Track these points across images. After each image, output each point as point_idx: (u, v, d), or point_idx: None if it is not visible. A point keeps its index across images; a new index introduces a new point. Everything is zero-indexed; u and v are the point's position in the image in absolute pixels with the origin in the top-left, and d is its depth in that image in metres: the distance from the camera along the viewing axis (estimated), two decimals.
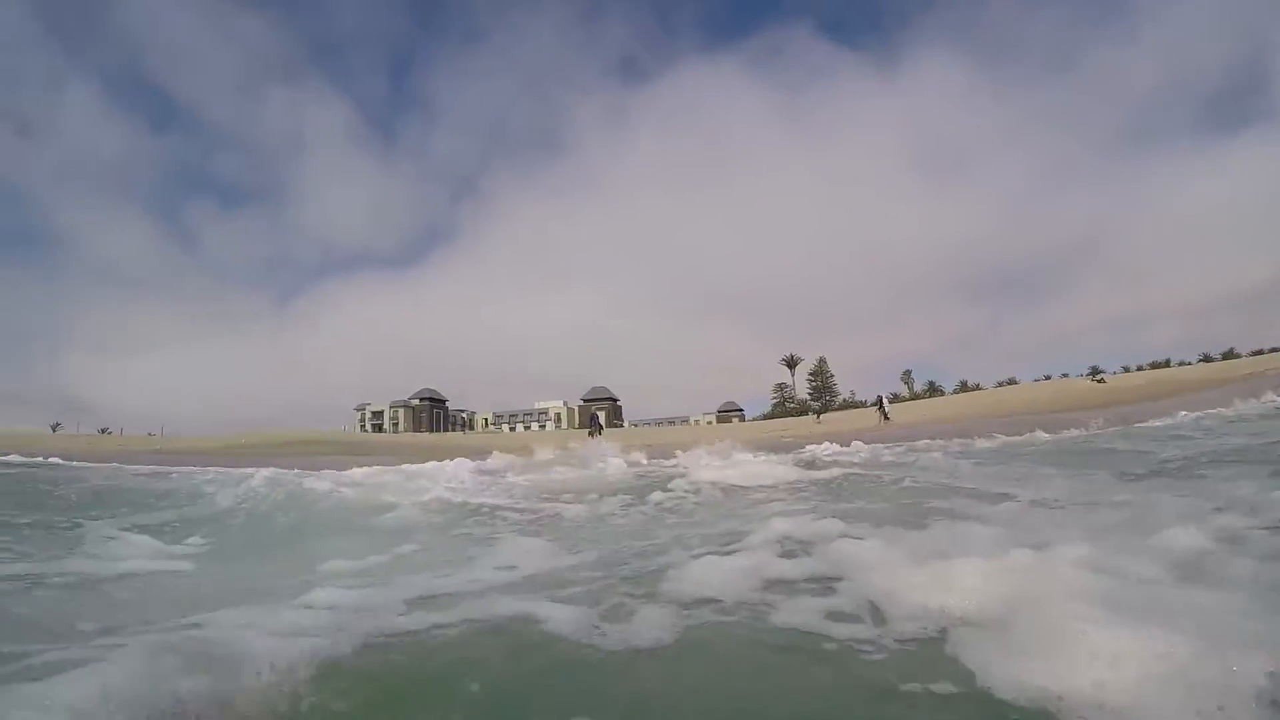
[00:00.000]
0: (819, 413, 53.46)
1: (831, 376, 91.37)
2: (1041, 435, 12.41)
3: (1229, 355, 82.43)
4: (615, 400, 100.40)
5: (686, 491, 6.72)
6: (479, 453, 14.71)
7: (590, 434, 30.68)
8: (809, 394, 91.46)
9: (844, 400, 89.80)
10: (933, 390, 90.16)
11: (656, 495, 6.49)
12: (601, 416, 38.33)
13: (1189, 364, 76.82)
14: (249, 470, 9.40)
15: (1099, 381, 52.62)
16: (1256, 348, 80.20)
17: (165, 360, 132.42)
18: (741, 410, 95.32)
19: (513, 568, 3.59)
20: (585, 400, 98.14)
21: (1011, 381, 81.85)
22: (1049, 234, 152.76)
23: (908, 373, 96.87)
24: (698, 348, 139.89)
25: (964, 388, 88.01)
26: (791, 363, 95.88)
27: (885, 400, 34.53)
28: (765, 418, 76.48)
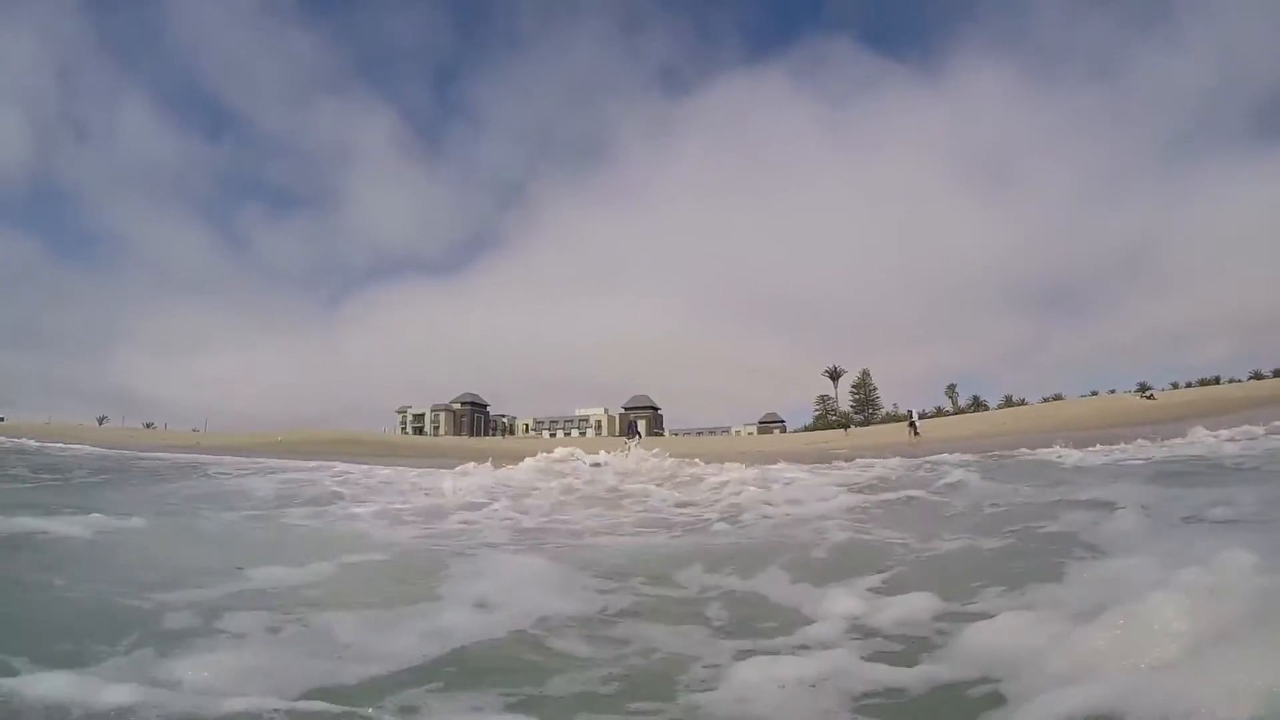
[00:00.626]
0: (846, 426, 51.54)
1: (875, 389, 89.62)
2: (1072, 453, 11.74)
3: None
4: (656, 409, 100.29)
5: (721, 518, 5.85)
6: (514, 457, 14.58)
7: (627, 441, 30.64)
8: (851, 406, 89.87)
9: (886, 414, 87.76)
10: (977, 405, 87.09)
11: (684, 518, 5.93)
12: (641, 425, 38.36)
13: (1239, 381, 72.62)
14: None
15: (1148, 398, 50.11)
16: None
17: (215, 359, 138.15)
18: (783, 421, 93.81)
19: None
20: (626, 408, 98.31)
21: (1058, 397, 78.64)
22: (1096, 245, 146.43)
23: (952, 387, 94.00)
24: (741, 358, 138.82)
25: (1009, 403, 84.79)
26: (835, 375, 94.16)
27: (915, 416, 34.67)
28: (807, 429, 75.20)
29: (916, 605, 2.68)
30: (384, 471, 10.68)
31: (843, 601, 2.81)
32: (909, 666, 2.07)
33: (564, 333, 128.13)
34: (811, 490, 7.29)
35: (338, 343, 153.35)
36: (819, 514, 5.53)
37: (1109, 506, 4.44)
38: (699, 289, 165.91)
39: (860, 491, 7.03)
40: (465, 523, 5.80)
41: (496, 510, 6.51)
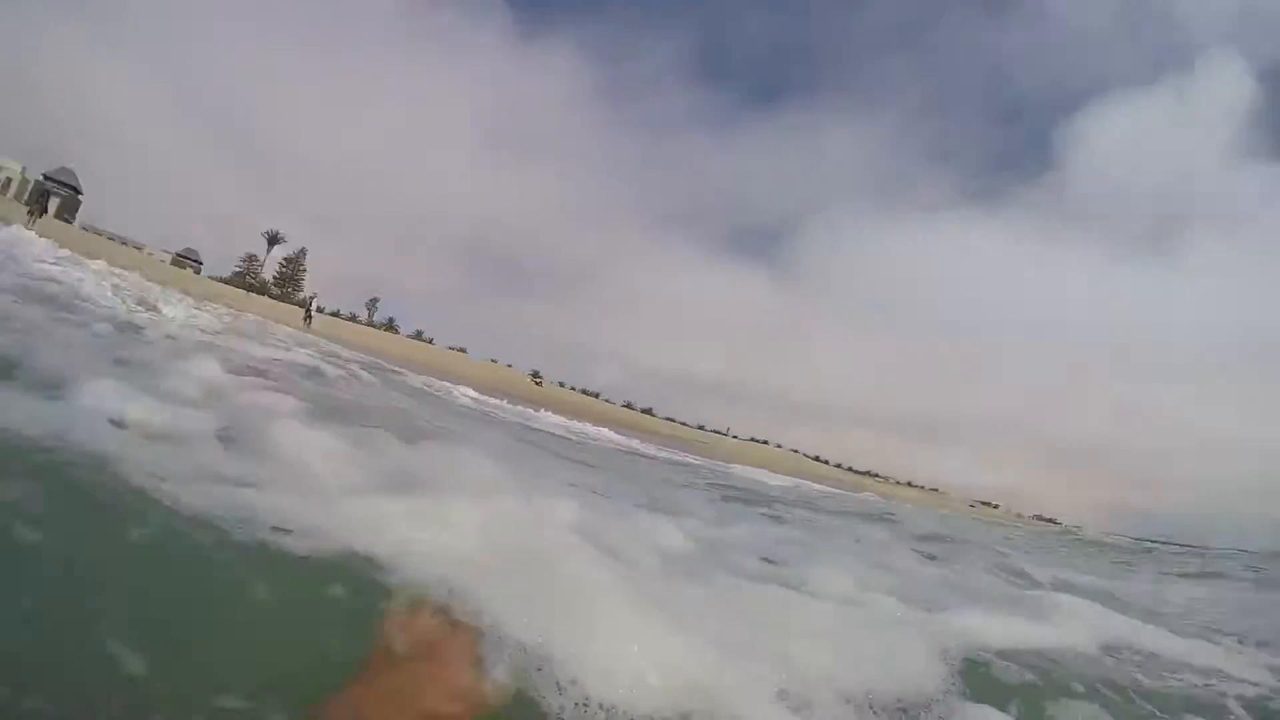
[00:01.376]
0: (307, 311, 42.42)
1: (305, 271, 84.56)
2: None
3: (647, 412, 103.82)
4: (78, 191, 68.68)
5: None
6: None
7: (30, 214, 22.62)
8: (274, 279, 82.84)
9: (302, 299, 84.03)
10: (389, 327, 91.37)
11: None
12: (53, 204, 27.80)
13: (612, 404, 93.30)
14: None
15: (537, 383, 60.81)
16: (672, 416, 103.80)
17: None
18: (201, 263, 78.80)
19: None
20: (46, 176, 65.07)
21: (462, 350, 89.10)
22: (562, 246, 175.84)
23: (374, 300, 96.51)
24: (187, 176, 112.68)
25: (418, 337, 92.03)
26: (273, 240, 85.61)
27: (313, 305, 33.46)
28: (224, 280, 65.16)
29: None
30: None
31: None
32: None
33: None
34: None
35: None
36: None
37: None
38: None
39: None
40: None
41: None
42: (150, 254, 65.02)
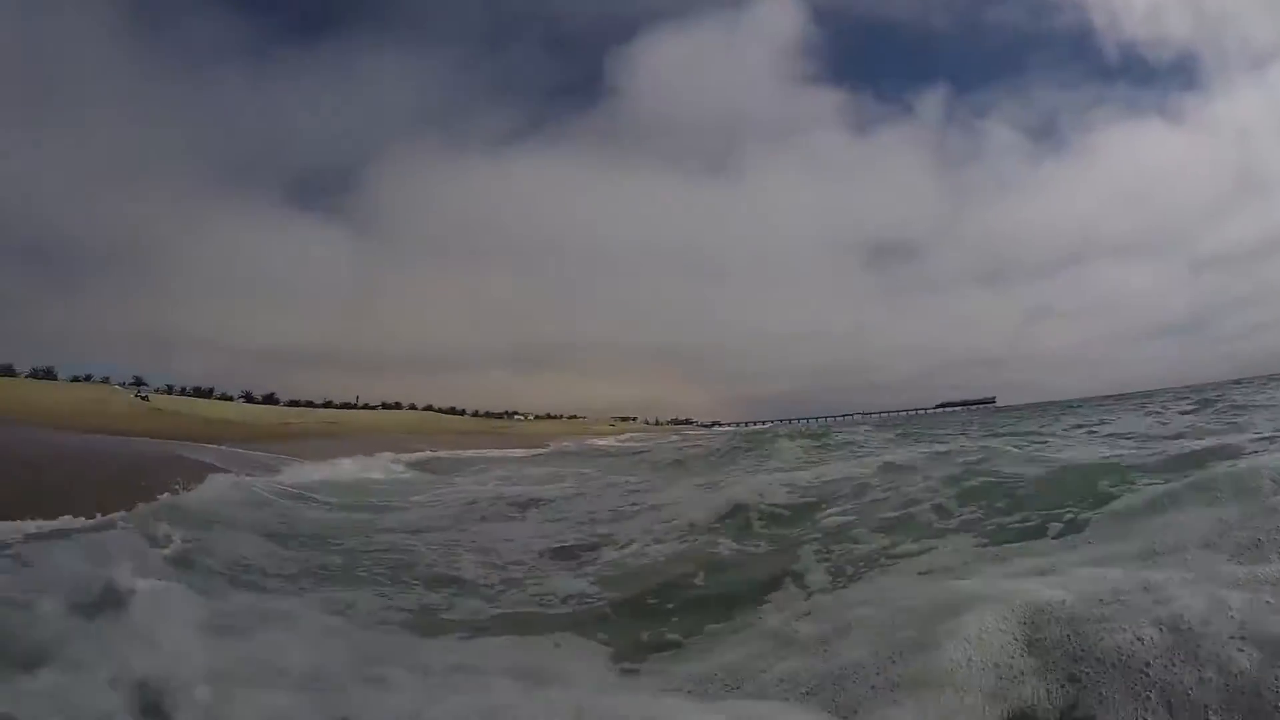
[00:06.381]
0: None
1: None
2: None
3: (270, 399, 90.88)
4: None
5: None
6: None
7: None
8: None
9: None
10: None
11: None
12: None
13: (232, 399, 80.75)
14: None
15: (142, 398, 49.07)
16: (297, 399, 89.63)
17: None
18: None
19: None
20: None
21: (51, 373, 69.05)
22: (105, 220, 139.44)
23: None
24: None
25: None
26: None
27: None
28: None
29: None
30: None
31: None
32: None
33: None
34: None
35: None
36: None
37: None
38: None
39: None
40: None
41: None
42: None
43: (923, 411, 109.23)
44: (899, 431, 21.71)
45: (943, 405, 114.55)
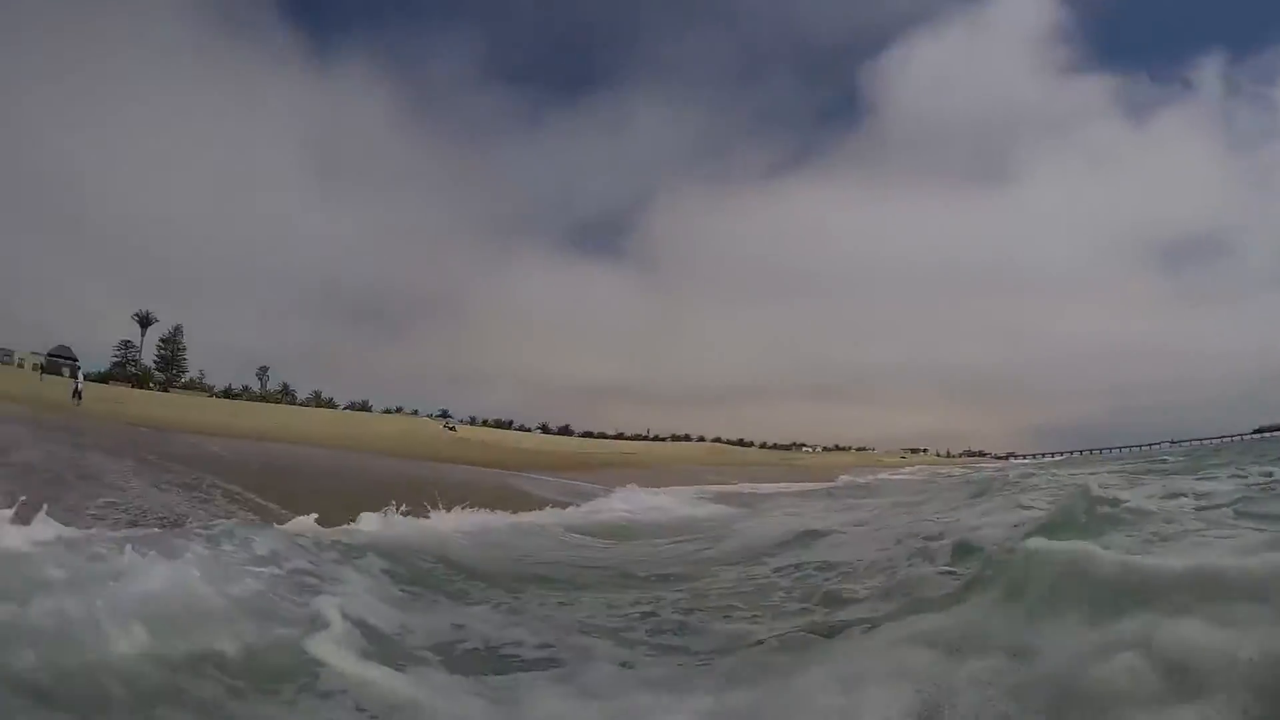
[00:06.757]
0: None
1: (184, 349, 77.25)
2: None
3: (565, 430, 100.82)
4: None
5: None
6: None
7: None
8: (156, 362, 75.24)
9: (190, 380, 77.14)
10: (285, 394, 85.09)
11: None
12: None
13: (529, 430, 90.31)
14: None
15: (450, 429, 54.88)
16: (590, 430, 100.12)
17: None
18: (76, 360, 66.22)
19: None
20: None
21: (365, 406, 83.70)
22: (416, 276, 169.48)
23: (264, 369, 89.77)
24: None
25: (318, 400, 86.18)
26: (145, 321, 77.76)
27: (80, 376, 31.19)
28: (100, 379, 57.23)
29: None
30: None
31: None
32: None
33: None
34: None
35: None
36: None
37: None
38: None
39: None
40: None
41: None
42: (22, 362, 56.36)
43: (1238, 438, 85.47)
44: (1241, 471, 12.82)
45: (1260, 431, 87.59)
